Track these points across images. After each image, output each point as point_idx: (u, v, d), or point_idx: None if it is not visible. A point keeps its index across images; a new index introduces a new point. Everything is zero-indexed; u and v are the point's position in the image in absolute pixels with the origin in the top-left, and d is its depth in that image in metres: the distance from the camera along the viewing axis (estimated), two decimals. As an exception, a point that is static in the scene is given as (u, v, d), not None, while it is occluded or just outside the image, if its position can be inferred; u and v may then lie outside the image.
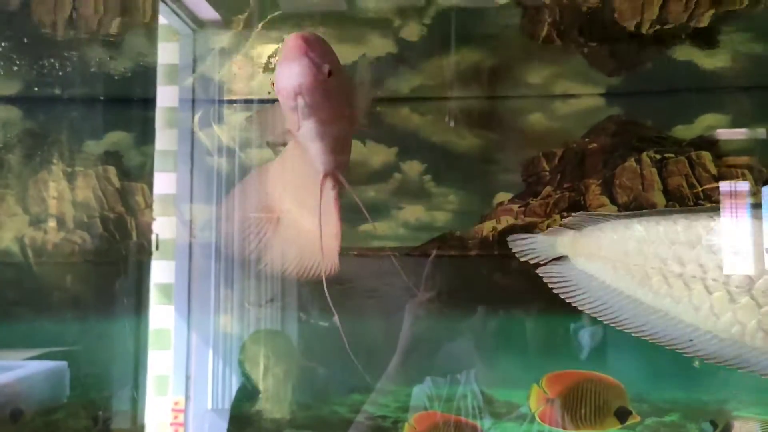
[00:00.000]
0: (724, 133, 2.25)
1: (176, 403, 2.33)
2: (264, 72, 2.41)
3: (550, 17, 2.30)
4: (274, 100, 2.24)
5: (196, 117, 2.46)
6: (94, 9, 2.42)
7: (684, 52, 2.23)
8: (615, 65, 2.22)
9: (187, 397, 2.34)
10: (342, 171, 1.84)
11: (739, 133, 2.24)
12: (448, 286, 2.41)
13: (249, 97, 2.48)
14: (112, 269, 2.48)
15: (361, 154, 2.44)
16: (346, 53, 2.38)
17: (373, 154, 2.45)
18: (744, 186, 1.92)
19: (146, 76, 2.45)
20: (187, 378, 2.36)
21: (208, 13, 2.45)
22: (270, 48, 2.43)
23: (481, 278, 2.39)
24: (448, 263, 2.39)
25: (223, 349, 2.39)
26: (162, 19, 2.44)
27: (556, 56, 2.31)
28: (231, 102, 2.49)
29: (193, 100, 2.46)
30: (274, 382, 2.33)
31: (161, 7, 2.37)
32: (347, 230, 2.34)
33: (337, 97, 1.72)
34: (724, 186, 1.74)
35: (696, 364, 2.22)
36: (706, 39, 2.18)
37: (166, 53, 2.45)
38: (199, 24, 2.49)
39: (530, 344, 2.35)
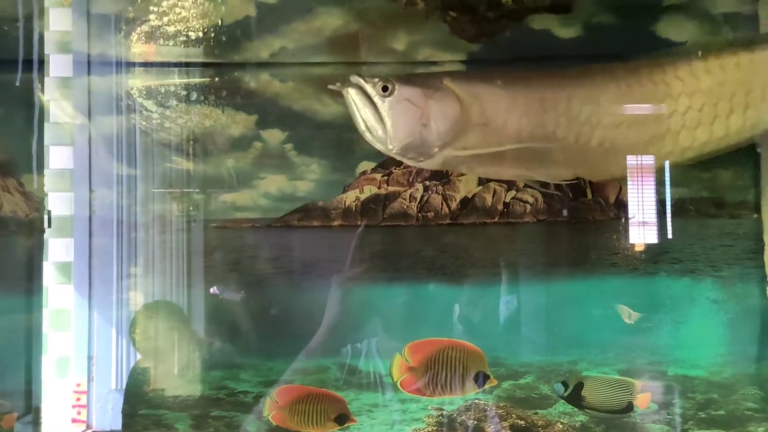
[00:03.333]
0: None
1: (78, 385, 2.27)
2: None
3: (412, -18, 2.25)
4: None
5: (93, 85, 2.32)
6: None
7: (541, 22, 2.25)
8: (475, 32, 2.21)
9: (89, 378, 2.28)
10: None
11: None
12: (312, 258, 2.37)
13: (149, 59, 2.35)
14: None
15: (220, 122, 2.34)
16: (203, 17, 2.27)
17: (232, 121, 2.35)
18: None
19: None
20: (89, 359, 2.29)
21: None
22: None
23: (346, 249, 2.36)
24: (311, 234, 2.34)
25: (126, 328, 2.30)
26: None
27: (419, 23, 2.28)
28: (131, 65, 2.34)
29: (89, 65, 2.31)
30: (160, 356, 2.26)
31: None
32: (207, 201, 2.26)
33: None
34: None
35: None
36: (561, 9, 2.20)
37: (58, 19, 2.29)
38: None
39: (411, 314, 2.36)
